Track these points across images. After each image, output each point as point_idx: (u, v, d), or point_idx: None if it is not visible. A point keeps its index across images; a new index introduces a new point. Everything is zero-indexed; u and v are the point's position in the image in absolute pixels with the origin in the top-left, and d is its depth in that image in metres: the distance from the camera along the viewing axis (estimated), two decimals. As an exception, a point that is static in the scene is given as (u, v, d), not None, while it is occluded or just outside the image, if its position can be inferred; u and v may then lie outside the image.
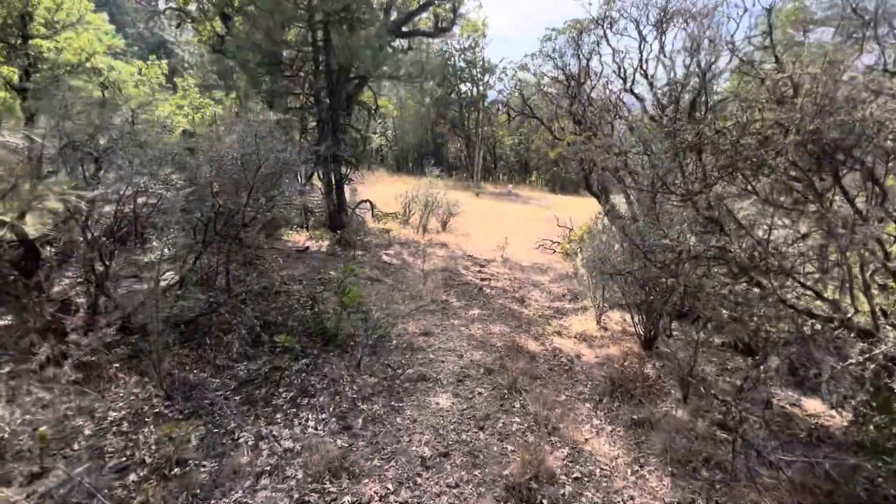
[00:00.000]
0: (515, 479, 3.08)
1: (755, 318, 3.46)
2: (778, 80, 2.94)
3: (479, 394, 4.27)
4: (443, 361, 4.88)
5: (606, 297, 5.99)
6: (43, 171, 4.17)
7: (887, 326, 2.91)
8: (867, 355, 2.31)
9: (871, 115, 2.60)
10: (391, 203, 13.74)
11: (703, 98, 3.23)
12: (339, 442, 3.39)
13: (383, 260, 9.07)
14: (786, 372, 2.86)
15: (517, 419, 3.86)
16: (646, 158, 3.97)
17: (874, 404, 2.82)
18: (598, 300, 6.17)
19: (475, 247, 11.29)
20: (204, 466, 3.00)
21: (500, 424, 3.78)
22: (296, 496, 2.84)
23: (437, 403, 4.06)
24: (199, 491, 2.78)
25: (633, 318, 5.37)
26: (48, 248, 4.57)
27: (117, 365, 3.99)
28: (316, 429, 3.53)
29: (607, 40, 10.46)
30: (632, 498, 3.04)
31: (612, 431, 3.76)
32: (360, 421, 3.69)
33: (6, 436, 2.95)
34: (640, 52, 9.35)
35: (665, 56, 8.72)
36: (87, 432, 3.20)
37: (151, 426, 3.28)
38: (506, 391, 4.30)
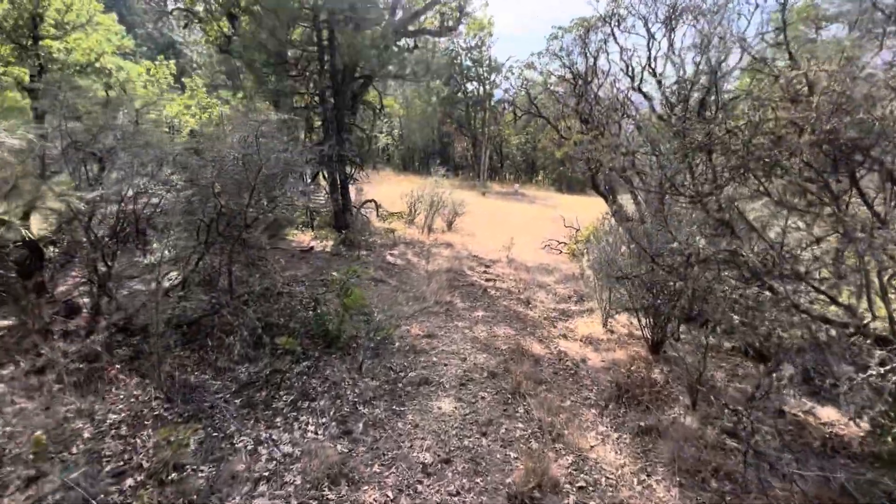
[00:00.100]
0: (518, 487, 3.01)
1: (766, 323, 3.36)
2: (792, 77, 2.83)
3: (483, 398, 4.20)
4: (446, 364, 4.81)
5: (613, 299, 5.89)
6: (46, 171, 4.17)
7: (907, 334, 2.79)
8: (889, 367, 2.20)
9: (892, 113, 2.48)
10: (397, 203, 13.70)
11: (714, 97, 3.13)
12: (339, 447, 3.33)
13: (388, 260, 9.02)
14: (800, 381, 2.75)
15: (521, 425, 3.79)
16: (654, 158, 3.87)
17: (893, 415, 2.71)
18: (604, 303, 6.06)
19: (480, 247, 11.21)
20: (202, 471, 2.97)
21: (504, 430, 3.70)
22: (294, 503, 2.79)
23: (440, 408, 4.00)
24: (195, 497, 2.75)
25: (640, 321, 5.26)
26: (51, 248, 4.57)
27: (119, 366, 3.97)
28: (316, 433, 3.48)
29: (615, 38, 10.32)
30: (638, 509, 2.95)
31: (618, 439, 3.67)
32: (360, 425, 3.63)
33: (3, 440, 2.93)
34: (649, 50, 9.20)
35: (674, 54, 8.58)
36: (86, 435, 3.18)
37: (150, 429, 3.26)
38: (509, 396, 4.23)
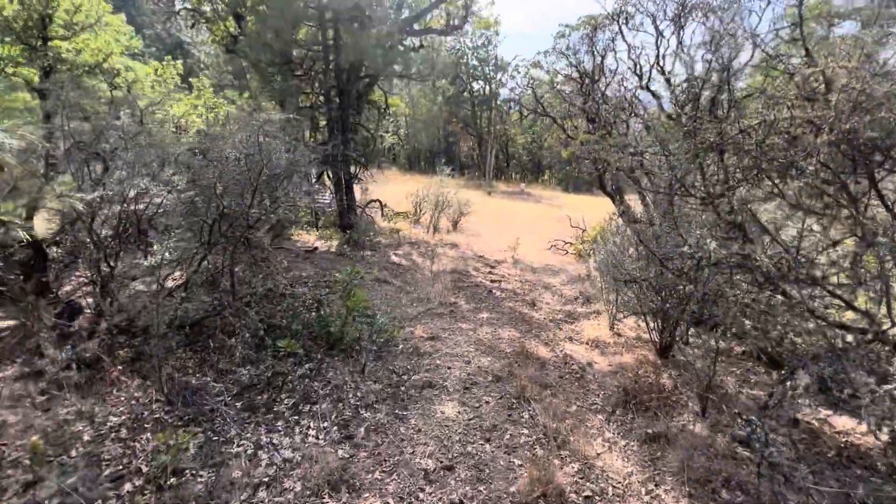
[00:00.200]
0: (523, 496, 2.94)
1: (779, 328, 3.25)
2: (809, 74, 2.72)
3: (487, 402, 4.13)
4: (449, 367, 4.75)
5: (620, 301, 5.79)
6: (49, 171, 4.16)
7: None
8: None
9: (915, 112, 2.38)
10: (402, 202, 13.66)
11: (725, 95, 3.03)
12: (339, 452, 3.28)
13: (392, 260, 8.97)
14: (816, 390, 2.65)
15: (525, 431, 3.71)
16: (663, 158, 3.77)
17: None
18: (611, 305, 5.96)
19: (486, 247, 11.13)
20: (201, 476, 2.93)
21: (508, 436, 3.63)
22: (293, 510, 2.74)
23: (443, 412, 3.93)
24: (193, 503, 2.70)
25: (647, 324, 5.16)
26: (55, 248, 4.57)
27: (120, 367, 3.95)
28: (317, 438, 3.43)
29: (623, 36, 10.19)
30: (646, 520, 2.87)
31: (625, 446, 3.58)
32: (362, 430, 3.58)
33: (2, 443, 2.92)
34: (657, 48, 9.07)
35: (683, 52, 8.44)
36: (85, 438, 3.16)
37: (150, 433, 3.22)
38: (514, 400, 4.15)
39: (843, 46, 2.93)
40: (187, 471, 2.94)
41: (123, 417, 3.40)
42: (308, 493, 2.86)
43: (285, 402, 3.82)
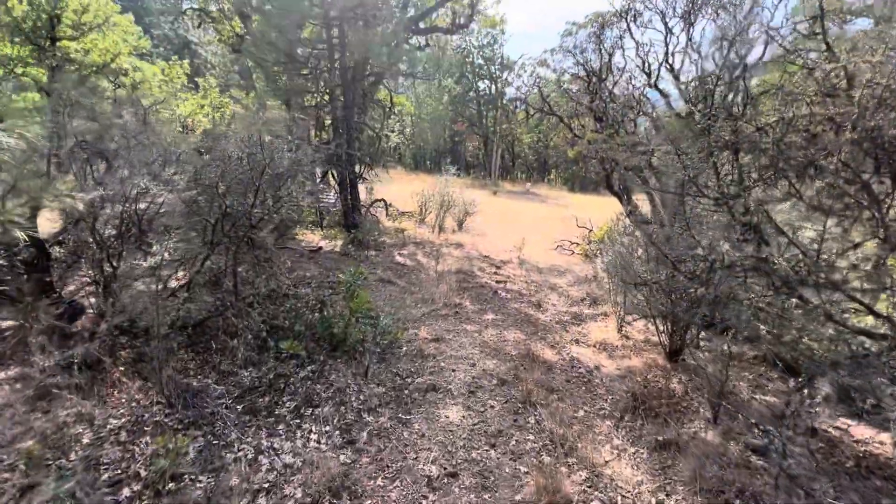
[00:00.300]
0: (528, 505, 2.85)
1: (793, 332, 3.14)
2: (830, 70, 2.61)
3: (492, 407, 4.05)
4: (454, 370, 4.67)
5: (628, 303, 5.67)
6: (51, 170, 4.13)
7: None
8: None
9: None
10: (408, 202, 13.60)
11: (741, 91, 2.93)
12: (341, 458, 3.21)
13: (397, 261, 8.91)
14: (836, 399, 2.54)
15: (531, 437, 3.62)
16: (674, 157, 3.66)
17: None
18: (619, 308, 5.85)
19: (491, 247, 11.04)
20: (200, 482, 2.87)
21: (514, 442, 3.54)
22: (293, 518, 2.68)
23: (447, 416, 3.85)
24: (192, 509, 2.65)
25: (657, 327, 5.05)
26: (57, 248, 4.55)
27: (122, 369, 3.92)
28: (318, 442, 3.36)
29: (631, 34, 10.03)
30: (657, 531, 2.77)
31: (634, 454, 3.48)
32: (364, 434, 3.51)
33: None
34: (666, 46, 8.93)
35: (693, 49, 8.29)
36: (85, 441, 3.11)
37: (149, 436, 3.17)
38: (520, 405, 4.07)
39: (866, 41, 2.81)
40: (186, 476, 2.89)
41: (123, 420, 3.35)
42: (308, 499, 2.80)
43: (287, 405, 3.76)
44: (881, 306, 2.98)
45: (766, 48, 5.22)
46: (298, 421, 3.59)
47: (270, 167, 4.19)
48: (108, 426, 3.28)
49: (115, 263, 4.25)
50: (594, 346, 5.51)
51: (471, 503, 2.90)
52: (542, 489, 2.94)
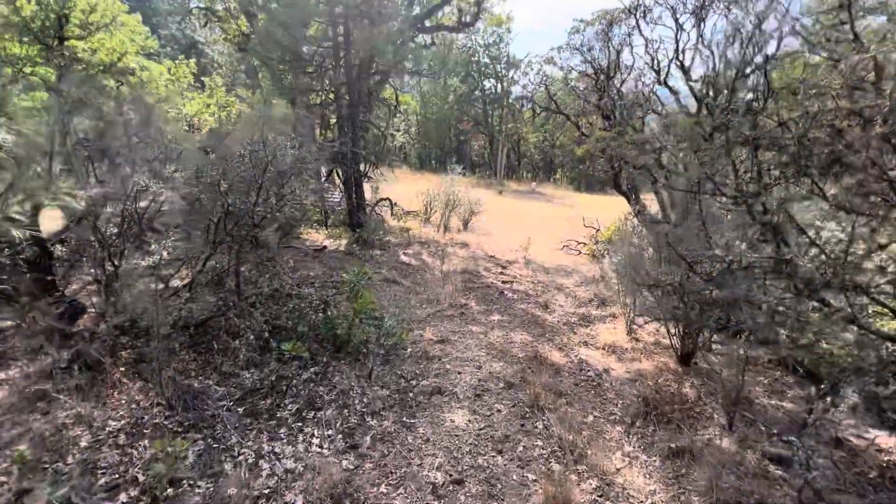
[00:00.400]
0: (537, 515, 2.75)
1: (809, 336, 3.00)
2: (857, 61, 2.48)
3: (498, 411, 3.94)
4: (460, 373, 4.57)
5: (638, 305, 5.54)
6: (53, 168, 4.08)
7: None
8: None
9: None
10: (413, 201, 13.50)
11: (752, 88, 2.81)
12: (344, 463, 3.13)
13: (402, 260, 8.82)
14: (863, 407, 2.41)
15: (539, 442, 3.52)
16: (681, 155, 3.54)
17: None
18: (628, 309, 5.72)
19: (497, 246, 10.92)
20: (198, 487, 2.80)
21: (521, 448, 3.44)
22: (293, 526, 2.59)
23: (452, 421, 3.76)
24: (190, 516, 2.57)
25: (668, 329, 4.92)
26: (58, 246, 4.50)
27: (122, 369, 3.86)
28: (321, 447, 3.28)
29: (640, 30, 9.88)
30: (671, 544, 2.66)
31: (646, 461, 3.36)
32: (368, 439, 3.42)
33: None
34: (677, 42, 8.77)
35: (704, 46, 8.12)
36: (83, 444, 3.05)
37: (149, 439, 3.10)
38: (527, 409, 3.96)
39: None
40: (185, 481, 2.81)
41: (123, 422, 3.29)
42: (310, 507, 2.71)
43: (289, 407, 3.68)
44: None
45: (779, 43, 5.07)
46: (300, 424, 3.50)
47: (273, 165, 4.11)
48: (107, 428, 3.22)
49: (116, 262, 4.19)
50: (603, 349, 5.39)
51: (477, 512, 2.81)
52: (550, 498, 2.84)
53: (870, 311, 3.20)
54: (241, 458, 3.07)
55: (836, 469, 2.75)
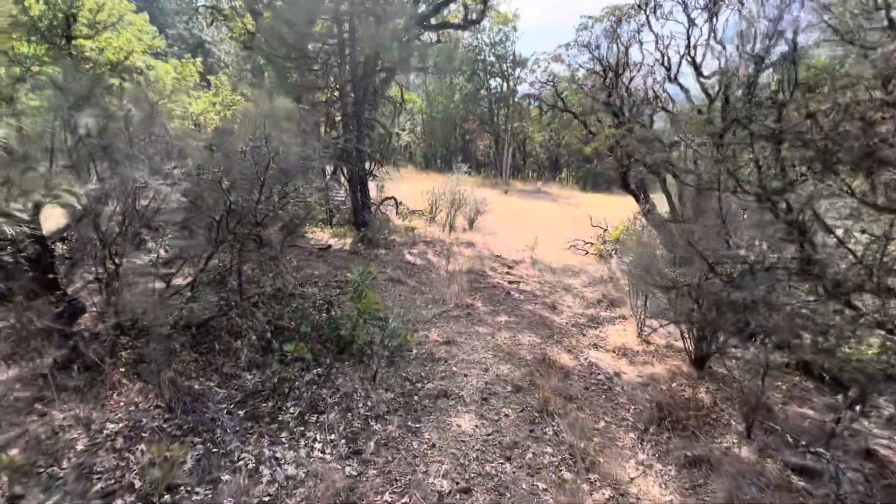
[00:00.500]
0: (548, 527, 2.63)
1: (833, 341, 2.85)
2: (892, 50, 2.33)
3: (506, 415, 3.82)
4: (466, 375, 4.45)
5: (650, 306, 5.39)
6: (53, 164, 4.00)
7: None
8: None
9: None
10: (418, 200, 13.41)
11: (784, 79, 2.66)
12: (347, 469, 3.02)
13: (407, 259, 8.71)
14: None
15: (549, 449, 3.39)
16: (704, 150, 3.39)
17: None
18: (639, 311, 5.57)
19: (503, 246, 10.78)
20: (196, 494, 2.70)
21: (530, 455, 3.31)
22: (294, 536, 2.49)
23: (459, 425, 3.64)
24: (187, 525, 2.48)
25: (681, 332, 4.77)
26: (61, 244, 4.43)
27: (122, 370, 3.78)
28: (323, 452, 3.17)
29: (650, 26, 9.69)
30: (690, 560, 2.52)
31: (662, 471, 3.22)
32: (372, 444, 3.31)
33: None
34: (688, 38, 8.58)
35: (716, 41, 7.94)
36: (79, 447, 2.96)
37: (145, 444, 3.01)
38: (536, 414, 3.83)
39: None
40: (182, 487, 2.72)
41: (121, 425, 3.20)
42: (311, 516, 2.61)
43: (291, 410, 3.58)
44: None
45: (793, 37, 4.88)
46: (302, 428, 3.40)
47: (275, 161, 4.01)
48: (105, 431, 3.13)
49: (116, 261, 4.11)
50: (613, 351, 5.24)
51: (485, 523, 2.69)
52: (562, 509, 2.72)
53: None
54: (240, 463, 2.97)
55: (867, 483, 2.60)
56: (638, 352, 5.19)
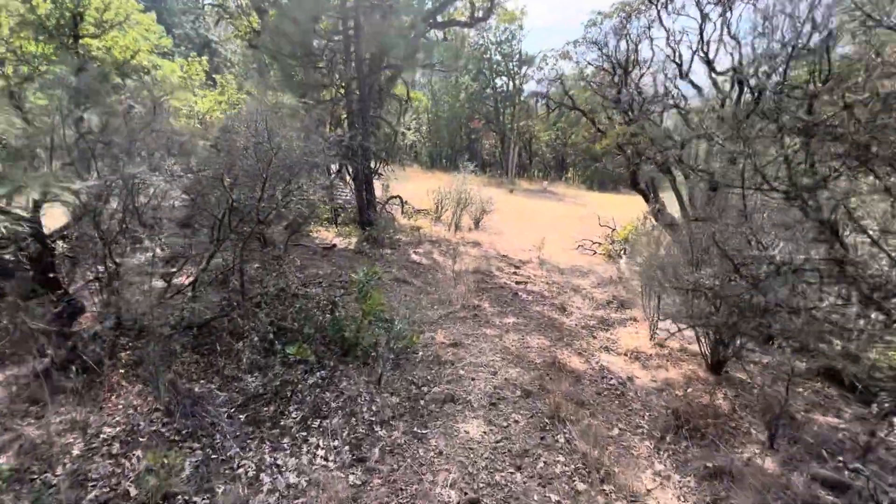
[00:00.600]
0: (562, 543, 2.49)
1: (857, 344, 2.68)
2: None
3: (516, 422, 3.68)
4: (474, 379, 4.31)
5: (664, 308, 5.22)
6: (53, 161, 3.92)
7: None
8: None
9: None
10: (424, 200, 13.29)
11: (819, 67, 2.48)
12: (350, 478, 2.90)
13: (412, 259, 8.59)
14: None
15: (561, 458, 3.24)
16: (737, 143, 3.22)
17: None
18: (651, 313, 5.40)
19: (509, 246, 10.63)
20: (194, 503, 2.59)
21: (542, 464, 3.17)
22: (295, 550, 2.37)
23: (467, 432, 3.51)
24: (183, 537, 2.37)
25: (697, 335, 4.60)
26: (61, 243, 4.35)
27: (122, 372, 3.68)
28: (326, 459, 3.05)
29: (661, 21, 9.50)
30: (714, 580, 2.37)
31: (680, 482, 3.07)
32: (376, 451, 3.19)
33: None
34: (701, 34, 8.38)
35: (730, 36, 7.73)
36: (75, 452, 2.87)
37: (142, 449, 2.91)
38: (547, 420, 3.69)
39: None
40: (180, 496, 2.61)
41: (118, 429, 3.10)
42: (313, 528, 2.49)
43: (293, 415, 3.47)
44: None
45: (817, 29, 4.69)
46: (305, 434, 3.28)
47: (278, 158, 3.89)
48: (102, 435, 3.03)
49: (116, 260, 4.02)
50: (625, 355, 5.08)
51: (495, 537, 2.55)
52: (577, 523, 2.58)
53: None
54: (240, 470, 2.86)
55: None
56: (651, 355, 5.02)
